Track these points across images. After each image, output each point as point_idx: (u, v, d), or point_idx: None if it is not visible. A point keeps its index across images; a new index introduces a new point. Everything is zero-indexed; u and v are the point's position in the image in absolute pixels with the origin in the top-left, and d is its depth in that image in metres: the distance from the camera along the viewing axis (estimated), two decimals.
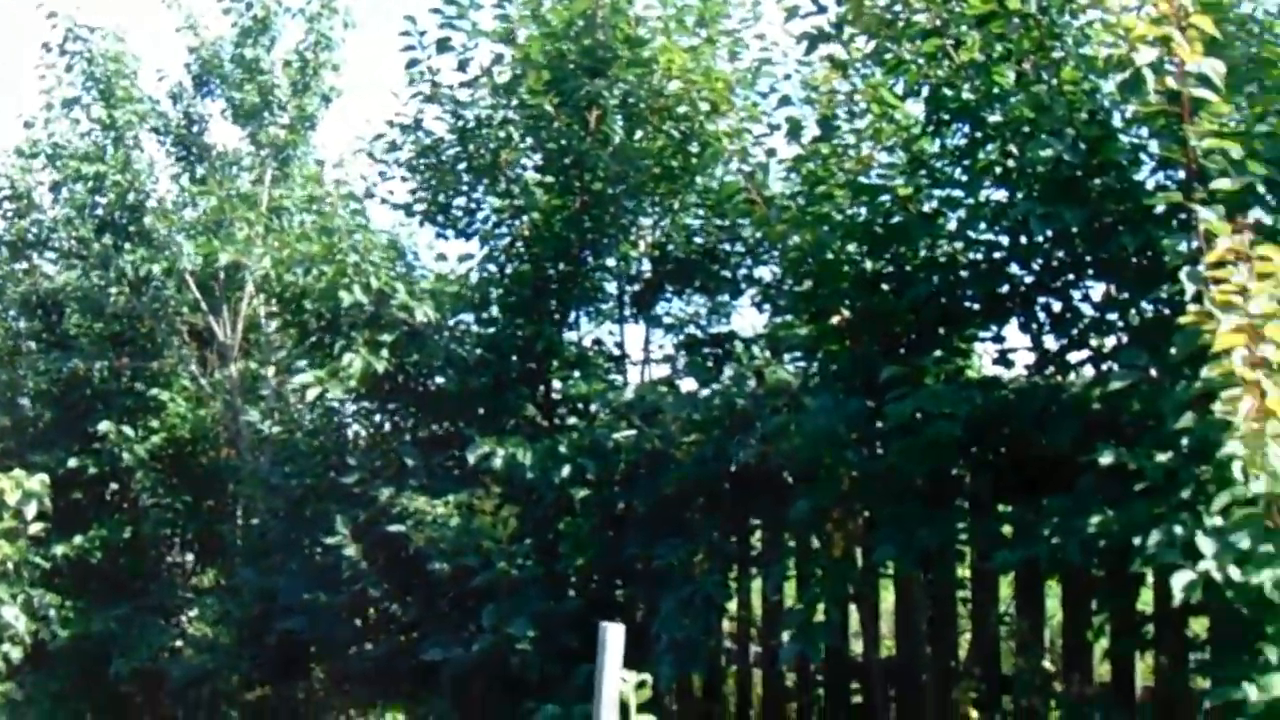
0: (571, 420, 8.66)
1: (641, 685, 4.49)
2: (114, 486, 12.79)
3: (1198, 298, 4.42)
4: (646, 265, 8.86)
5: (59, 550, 10.81)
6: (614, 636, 4.50)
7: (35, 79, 12.45)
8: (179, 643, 11.68)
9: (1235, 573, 4.17)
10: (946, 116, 6.21)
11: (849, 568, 6.71)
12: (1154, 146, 5.52)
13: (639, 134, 8.36)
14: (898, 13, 6.15)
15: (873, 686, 7.17)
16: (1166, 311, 5.44)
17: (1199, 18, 4.81)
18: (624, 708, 4.46)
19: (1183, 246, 4.77)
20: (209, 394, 12.42)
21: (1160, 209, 5.23)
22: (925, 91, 6.23)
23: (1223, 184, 4.90)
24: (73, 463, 11.79)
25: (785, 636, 6.75)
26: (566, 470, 7.31)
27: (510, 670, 7.28)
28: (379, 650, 8.61)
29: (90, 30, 12.29)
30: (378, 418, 9.78)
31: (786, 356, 7.36)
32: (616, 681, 4.44)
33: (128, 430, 11.81)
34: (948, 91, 6.08)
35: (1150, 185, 5.71)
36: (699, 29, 8.32)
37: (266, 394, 12.16)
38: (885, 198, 6.48)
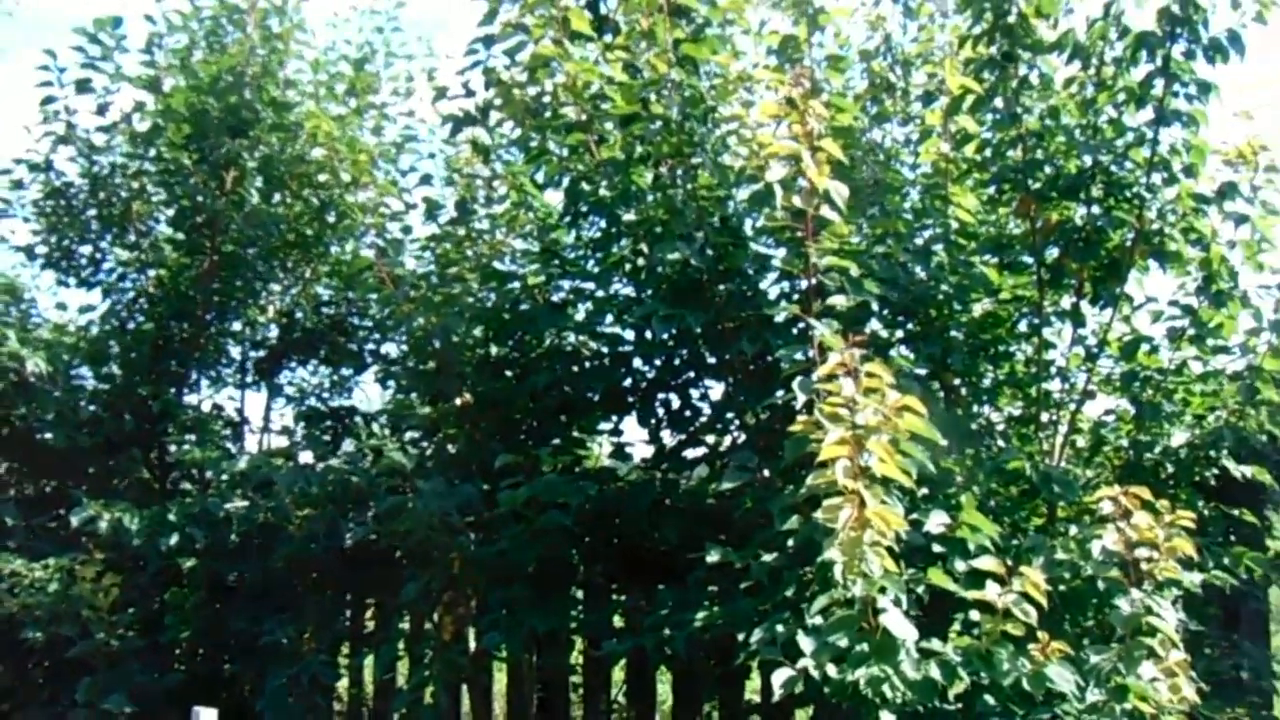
0: (185, 486, 8.38)
1: None
2: None
3: (809, 406, 4.58)
4: (274, 331, 8.73)
5: None
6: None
7: None
8: None
9: (832, 670, 4.31)
10: (584, 209, 6.33)
11: (459, 651, 6.68)
12: (780, 257, 5.74)
13: (277, 198, 8.23)
14: (545, 104, 6.23)
15: None
16: (780, 416, 5.62)
17: (828, 142, 5.02)
18: None
19: (800, 355, 4.95)
20: None
21: (780, 318, 5.43)
22: (565, 183, 6.33)
23: (839, 300, 5.14)
24: None
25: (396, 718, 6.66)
26: (175, 538, 7.03)
27: None
28: None
29: None
30: None
31: (406, 436, 7.32)
32: None
33: None
34: (586, 186, 6.20)
35: (774, 294, 5.96)
36: (349, 98, 8.27)
37: None
38: (515, 284, 6.61)
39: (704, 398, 6.47)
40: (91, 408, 8.16)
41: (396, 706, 6.55)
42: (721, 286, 5.83)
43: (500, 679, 7.70)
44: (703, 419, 6.42)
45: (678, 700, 7.10)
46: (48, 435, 8.14)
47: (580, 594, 6.94)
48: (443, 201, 7.08)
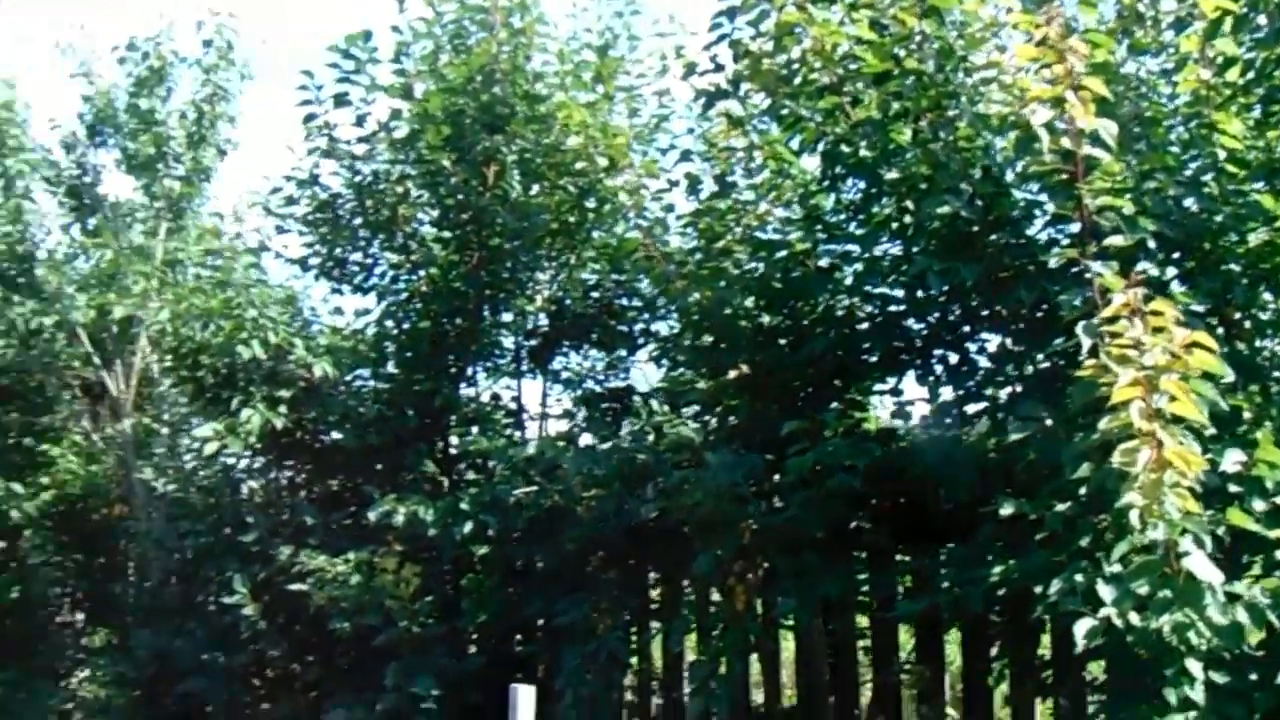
0: (470, 476, 8.63)
1: None
2: (1, 544, 12.50)
3: (1094, 351, 4.50)
4: (543, 320, 8.87)
5: None
6: (525, 698, 4.50)
7: None
8: (70, 705, 11.39)
9: (1135, 618, 4.24)
10: (842, 172, 6.29)
11: (750, 620, 6.73)
12: (1047, 202, 5.62)
13: (536, 189, 8.37)
14: (795, 70, 6.21)
15: None
16: (1061, 363, 5.51)
17: (1090, 79, 4.91)
18: None
19: (1078, 300, 4.86)
20: (101, 449, 12.17)
21: (1055, 264, 5.32)
22: (822, 147, 6.29)
23: (1115, 240, 5.02)
24: None
25: (687, 689, 6.75)
26: (468, 527, 7.28)
27: None
28: (279, 711, 8.48)
29: None
30: (273, 474, 9.67)
31: (686, 411, 7.38)
32: None
33: (16, 487, 11.54)
34: (845, 148, 6.14)
35: (1043, 240, 5.80)
36: (596, 85, 8.37)
37: (160, 450, 11.96)
38: (783, 253, 6.54)
39: (981, 351, 6.36)
40: (376, 407, 8.48)
41: (695, 678, 6.63)
42: (992, 237, 5.73)
43: (787, 646, 7.73)
44: (981, 373, 6.32)
45: (967, 660, 7.05)
46: (336, 436, 8.51)
47: (865, 557, 6.93)
48: (702, 177, 7.13)
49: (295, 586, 7.61)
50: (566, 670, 6.91)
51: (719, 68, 6.62)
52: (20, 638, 11.83)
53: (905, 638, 7.33)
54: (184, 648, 8.85)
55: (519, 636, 8.00)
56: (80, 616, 12.90)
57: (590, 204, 8.30)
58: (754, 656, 7.41)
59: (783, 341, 6.75)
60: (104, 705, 10.37)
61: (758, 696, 7.74)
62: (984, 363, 6.33)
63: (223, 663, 8.44)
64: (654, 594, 7.99)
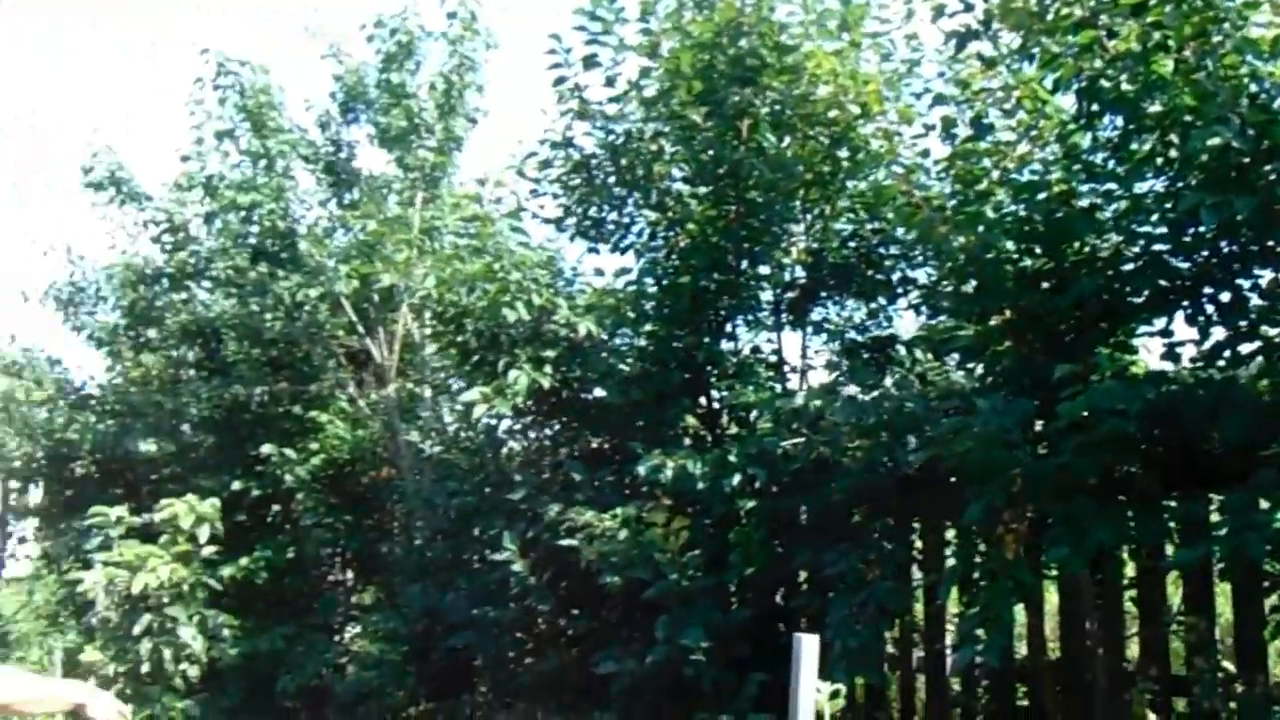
0: (733, 430, 8.66)
1: (835, 695, 4.48)
2: (276, 508, 13.02)
3: None
4: (800, 272, 8.81)
5: (226, 571, 10.98)
6: (808, 647, 4.50)
7: (186, 115, 12.74)
8: (344, 660, 11.81)
9: None
10: (1100, 108, 6.13)
11: (1021, 570, 6.62)
12: None
13: (788, 141, 8.32)
14: (1048, 6, 6.09)
15: (1041, 689, 7.09)
16: None
17: None
18: (818, 717, 4.45)
19: None
20: (367, 415, 12.60)
21: None
22: (1078, 84, 6.15)
23: None
24: (236, 486, 12.06)
25: (949, 641, 6.68)
26: (736, 479, 7.32)
27: (682, 681, 7.29)
28: (547, 664, 8.65)
29: (240, 64, 12.56)
30: (533, 434, 9.85)
31: (950, 358, 7.28)
32: (812, 692, 4.44)
33: (288, 452, 12.05)
34: (1105, 83, 5.99)
35: None
36: (842, 33, 8.28)
37: (425, 414, 12.31)
38: (1043, 194, 6.41)
39: (1254, 288, 6.14)
40: (638, 364, 8.56)
41: (965, 629, 6.54)
42: (1266, 168, 5.52)
43: (1051, 598, 7.59)
44: (1253, 310, 6.09)
45: (1238, 612, 6.83)
46: (600, 393, 8.62)
47: (1132, 504, 6.75)
48: (957, 120, 7.02)
49: (566, 542, 7.74)
50: (837, 621, 6.87)
51: (969, 7, 6.53)
52: (296, 595, 12.36)
53: (1172, 589, 7.14)
54: (454, 603, 9.09)
55: (782, 589, 8.00)
56: (350, 575, 13.39)
57: (843, 153, 8.22)
58: (1018, 608, 7.29)
59: (1046, 285, 6.62)
60: (376, 660, 10.71)
61: (1020, 649, 7.63)
62: (1257, 300, 6.10)
63: (492, 617, 8.62)
64: (916, 543, 7.91)
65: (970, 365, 7.19)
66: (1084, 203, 6.48)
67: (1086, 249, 6.53)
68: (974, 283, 6.90)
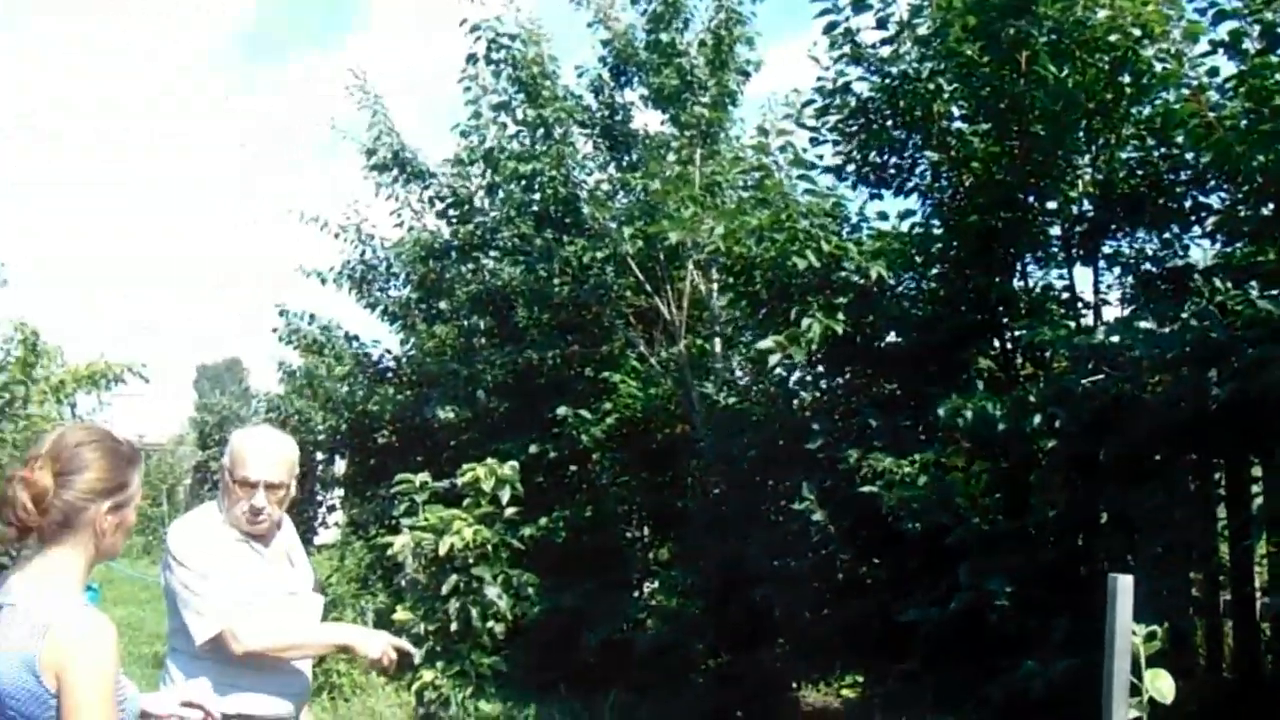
0: (1027, 370, 8.48)
1: (1152, 637, 4.36)
2: (573, 468, 13.32)
3: None
4: (1088, 205, 8.53)
5: (527, 531, 11.26)
6: (1124, 588, 4.37)
7: (460, 91, 13.05)
8: (644, 615, 12.01)
9: None
10: None
11: None
12: None
13: (1067, 69, 8.02)
14: None
15: None
16: None
17: None
18: (1134, 661, 4.34)
19: None
20: (658, 372, 12.75)
21: None
22: None
23: None
24: (533, 448, 12.32)
25: (1258, 585, 6.41)
26: (1037, 420, 7.12)
27: (984, 628, 7.16)
28: (847, 614, 8.61)
29: (511, 38, 12.75)
30: (824, 383, 9.82)
31: (1252, 285, 6.93)
32: (1128, 634, 4.32)
33: (583, 413, 12.28)
34: None
35: None
36: None
37: (716, 367, 12.40)
38: None
39: None
40: (930, 307, 8.45)
41: (1277, 572, 6.28)
42: None
43: None
44: None
45: None
46: (892, 338, 8.53)
47: None
48: (1246, 33, 6.68)
49: (866, 489, 7.67)
50: (1145, 560, 6.66)
51: None
52: (595, 553, 12.58)
53: None
54: (754, 555, 9.14)
55: (1082, 531, 7.79)
56: (647, 531, 13.62)
57: (1126, 78, 7.89)
58: None
59: None
60: (674, 613, 10.88)
61: None
62: None
63: (792, 568, 8.64)
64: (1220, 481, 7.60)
65: (1275, 291, 6.85)
66: None
67: None
68: (1274, 205, 6.59)
